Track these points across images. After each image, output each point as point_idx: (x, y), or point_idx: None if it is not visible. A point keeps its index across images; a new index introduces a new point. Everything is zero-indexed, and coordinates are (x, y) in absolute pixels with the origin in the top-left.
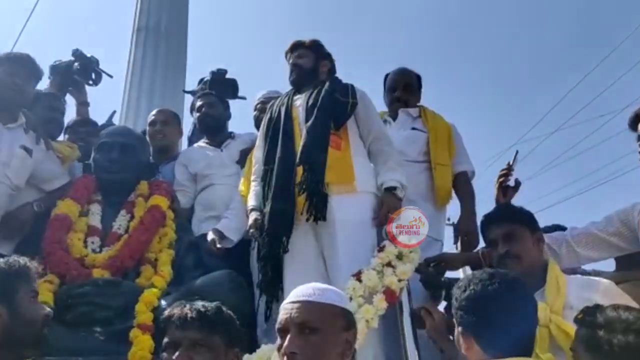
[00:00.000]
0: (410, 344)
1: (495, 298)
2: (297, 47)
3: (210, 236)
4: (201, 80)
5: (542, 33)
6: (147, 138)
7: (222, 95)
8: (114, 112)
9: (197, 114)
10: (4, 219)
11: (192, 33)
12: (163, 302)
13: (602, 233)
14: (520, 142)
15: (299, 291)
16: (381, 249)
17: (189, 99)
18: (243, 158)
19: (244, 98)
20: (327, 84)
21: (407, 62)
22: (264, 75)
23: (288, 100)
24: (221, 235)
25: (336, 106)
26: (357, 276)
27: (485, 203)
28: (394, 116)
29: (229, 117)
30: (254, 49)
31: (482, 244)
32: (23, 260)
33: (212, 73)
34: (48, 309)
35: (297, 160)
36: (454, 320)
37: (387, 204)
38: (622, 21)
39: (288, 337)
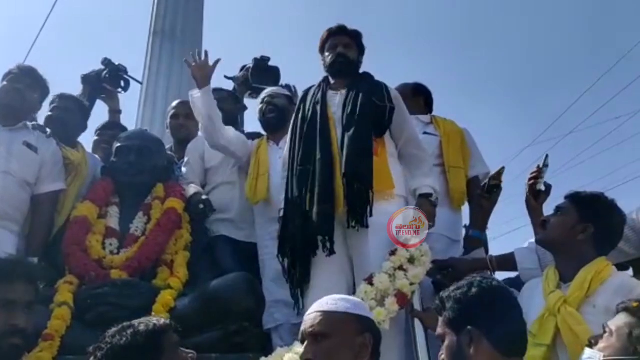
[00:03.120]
0: (422, 347)
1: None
2: (343, 33)
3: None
4: (243, 67)
5: (556, 35)
6: (169, 130)
7: (265, 82)
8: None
9: None
10: None
11: (207, 36)
12: (179, 303)
13: None
14: (534, 144)
15: (317, 303)
16: (393, 253)
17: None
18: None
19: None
20: (362, 83)
21: (418, 61)
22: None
23: (322, 97)
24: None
25: (376, 111)
26: (369, 280)
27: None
28: None
29: (240, 110)
30: (270, 50)
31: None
32: (13, 263)
33: (255, 60)
34: (19, 321)
35: (343, 169)
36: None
37: (425, 211)
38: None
39: (304, 345)
